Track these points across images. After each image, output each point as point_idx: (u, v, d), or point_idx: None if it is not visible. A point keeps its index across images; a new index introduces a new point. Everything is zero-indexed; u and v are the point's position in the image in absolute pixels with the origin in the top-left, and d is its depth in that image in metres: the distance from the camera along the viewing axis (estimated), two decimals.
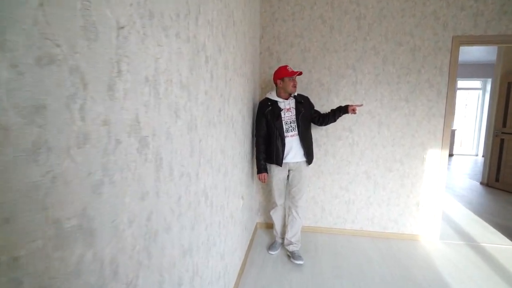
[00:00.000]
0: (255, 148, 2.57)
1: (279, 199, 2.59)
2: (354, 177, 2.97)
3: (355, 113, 2.42)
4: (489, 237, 3.07)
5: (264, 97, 2.52)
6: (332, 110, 2.52)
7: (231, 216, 1.96)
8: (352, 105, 2.41)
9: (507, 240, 3.00)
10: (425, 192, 2.90)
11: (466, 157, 8.24)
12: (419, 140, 2.84)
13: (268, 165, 2.52)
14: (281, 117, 2.38)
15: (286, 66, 2.38)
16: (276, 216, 2.68)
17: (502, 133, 4.96)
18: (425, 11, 2.69)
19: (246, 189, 2.51)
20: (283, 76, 2.35)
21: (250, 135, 2.60)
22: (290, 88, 2.36)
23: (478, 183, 5.41)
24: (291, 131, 2.40)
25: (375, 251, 2.73)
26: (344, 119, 2.91)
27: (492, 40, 2.64)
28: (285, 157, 2.42)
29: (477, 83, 8.18)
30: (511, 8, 2.59)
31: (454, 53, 2.70)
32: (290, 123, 2.40)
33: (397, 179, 2.92)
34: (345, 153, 2.96)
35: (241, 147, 2.22)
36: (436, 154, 2.84)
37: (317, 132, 2.97)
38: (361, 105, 2.45)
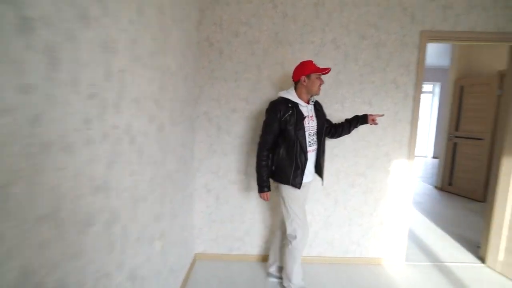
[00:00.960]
0: (257, 160, 1.95)
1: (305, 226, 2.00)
2: (311, 195, 2.50)
3: (376, 123, 2.10)
4: (453, 253, 2.81)
5: (278, 97, 1.95)
6: (347, 121, 2.16)
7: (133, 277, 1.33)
8: (372, 115, 2.08)
9: (469, 255, 2.76)
10: (390, 209, 2.53)
11: (417, 159, 8.44)
12: (384, 149, 2.46)
13: (279, 186, 1.99)
14: (304, 126, 1.86)
15: (311, 60, 1.92)
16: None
17: (455, 137, 4.93)
18: None
19: (172, 221, 1.89)
20: (310, 71, 1.85)
21: (181, 148, 1.99)
22: (316, 88, 1.89)
23: (432, 187, 5.37)
24: (312, 145, 1.94)
25: (335, 281, 2.28)
26: None
27: (460, 37, 2.33)
28: (305, 178, 1.94)
29: (429, 87, 8.40)
30: (480, 1, 2.30)
31: (422, 50, 2.34)
32: (312, 135, 1.94)
33: (360, 195, 2.50)
34: None
35: (157, 168, 1.60)
36: (402, 165, 2.47)
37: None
38: (383, 115, 2.11)
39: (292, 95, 1.88)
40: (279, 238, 2.21)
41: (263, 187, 1.94)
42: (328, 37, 2.35)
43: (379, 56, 2.35)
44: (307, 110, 1.91)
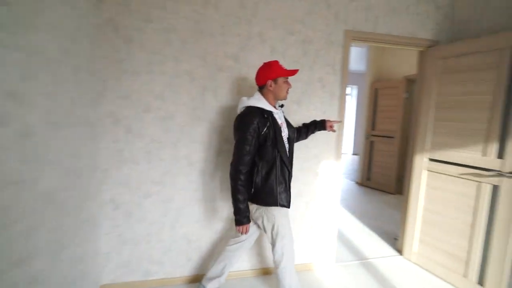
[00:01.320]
0: (233, 188, 1.60)
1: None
2: None
3: (334, 130, 2.01)
4: (376, 248, 2.94)
5: (247, 107, 1.66)
6: (305, 125, 2.03)
7: None
8: (330, 121, 2.00)
9: (389, 248, 2.92)
10: (320, 211, 2.47)
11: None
12: (314, 151, 2.38)
13: (260, 210, 1.69)
14: (282, 138, 1.66)
15: (277, 61, 1.69)
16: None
17: (372, 135, 5.35)
18: None
19: (54, 257, 1.42)
20: (277, 75, 1.65)
21: (71, 159, 1.52)
22: (284, 94, 1.70)
23: (354, 183, 5.75)
24: (290, 156, 1.75)
25: None
26: (222, 127, 2.17)
27: (380, 39, 2.40)
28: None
29: (348, 89, 9.11)
30: (399, 4, 2.40)
31: (346, 49, 2.33)
32: (287, 144, 1.73)
33: (292, 200, 2.37)
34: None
35: (19, 190, 1.14)
36: (330, 166, 2.44)
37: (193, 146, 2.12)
38: (340, 121, 2.07)
39: (263, 103, 1.64)
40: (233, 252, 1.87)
41: (243, 218, 1.62)
42: (254, 30, 2.15)
43: (306, 53, 2.25)
44: (279, 117, 1.71)
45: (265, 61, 1.73)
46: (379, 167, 5.23)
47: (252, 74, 2.14)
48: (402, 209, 2.83)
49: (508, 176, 1.94)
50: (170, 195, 2.13)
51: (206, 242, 2.24)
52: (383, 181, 5.13)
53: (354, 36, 2.32)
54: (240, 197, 1.58)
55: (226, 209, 2.25)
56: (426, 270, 2.51)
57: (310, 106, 2.32)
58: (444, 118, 2.39)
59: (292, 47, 2.22)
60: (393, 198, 4.72)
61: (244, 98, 1.69)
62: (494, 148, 2.04)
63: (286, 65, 2.21)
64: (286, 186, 1.66)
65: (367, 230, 3.42)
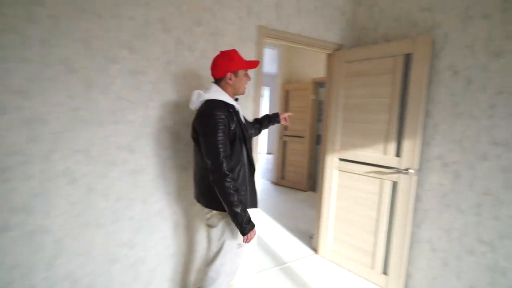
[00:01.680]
0: (226, 193, 1.34)
1: None
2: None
3: (287, 124, 1.95)
4: (293, 250, 2.93)
5: (208, 100, 1.46)
6: (258, 120, 1.91)
7: None
8: (283, 114, 1.94)
9: (305, 248, 2.96)
10: None
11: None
12: None
13: (218, 215, 1.51)
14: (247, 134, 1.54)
15: (236, 50, 1.53)
16: None
17: (285, 135, 5.52)
18: None
19: None
20: (238, 67, 1.49)
21: None
22: (244, 88, 1.57)
23: (270, 182, 5.85)
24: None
25: None
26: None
27: (292, 38, 2.35)
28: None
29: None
30: (308, 4, 2.39)
31: (260, 47, 2.20)
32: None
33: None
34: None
35: None
36: None
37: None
38: (292, 114, 2.06)
39: (225, 96, 1.46)
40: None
41: (248, 223, 1.38)
42: (155, 14, 1.79)
43: (217, 48, 2.01)
44: (241, 112, 1.56)
45: (222, 50, 1.55)
46: (292, 166, 5.43)
47: (152, 71, 1.78)
48: (316, 208, 2.89)
49: (404, 173, 2.12)
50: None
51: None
52: (296, 179, 5.34)
53: (268, 33, 2.21)
54: (238, 203, 1.35)
55: None
56: (340, 266, 2.60)
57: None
58: (351, 119, 2.51)
59: (202, 40, 1.95)
60: (306, 195, 4.95)
61: (200, 92, 1.49)
62: (392, 147, 2.21)
63: (195, 60, 1.93)
64: (253, 185, 1.55)
65: (284, 231, 3.42)
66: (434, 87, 2.06)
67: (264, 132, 9.70)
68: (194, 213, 2.04)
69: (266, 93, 9.52)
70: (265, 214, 3.97)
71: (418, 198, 2.15)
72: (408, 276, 2.21)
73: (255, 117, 2.00)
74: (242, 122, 1.50)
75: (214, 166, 1.33)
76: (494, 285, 1.77)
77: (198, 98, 1.48)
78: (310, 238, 3.15)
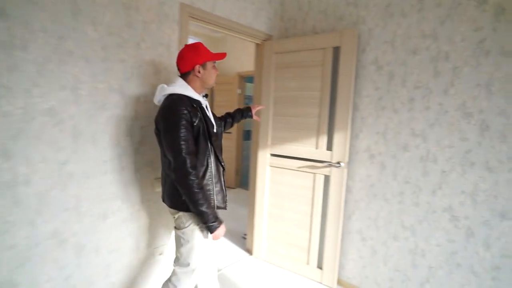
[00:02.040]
0: (189, 191, 1.27)
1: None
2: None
3: (259, 119, 2.10)
4: (227, 254, 2.73)
5: (170, 94, 1.36)
6: (229, 115, 1.88)
7: None
8: (255, 107, 1.96)
9: (239, 250, 2.79)
10: (158, 233, 1.95)
11: None
12: (147, 158, 1.81)
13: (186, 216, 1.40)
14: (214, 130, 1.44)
15: (201, 43, 1.44)
16: None
17: None
18: None
19: None
20: (205, 59, 1.41)
21: None
22: (213, 80, 1.48)
23: None
24: None
25: None
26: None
27: (218, 22, 2.10)
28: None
29: None
30: None
31: (185, 28, 1.89)
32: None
33: (118, 224, 1.71)
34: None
35: None
36: None
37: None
38: (263, 106, 2.10)
39: (190, 91, 1.39)
40: None
41: (216, 221, 1.34)
42: None
43: (131, 24, 1.63)
44: (207, 109, 1.47)
45: (187, 44, 1.52)
46: None
47: (38, 48, 1.30)
48: (249, 206, 2.74)
49: (335, 166, 2.13)
50: None
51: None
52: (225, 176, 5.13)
53: (192, 14, 1.91)
54: (203, 201, 1.29)
55: None
56: (277, 265, 2.51)
57: (141, 98, 1.72)
58: (282, 113, 2.42)
59: (109, 12, 1.54)
60: (235, 193, 4.79)
61: (164, 86, 1.42)
62: (324, 141, 2.20)
63: (99, 36, 1.51)
64: (221, 185, 1.48)
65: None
66: (361, 81, 2.11)
67: None
68: None
69: None
70: None
71: (348, 190, 2.20)
72: (341, 267, 2.25)
73: (227, 112, 1.90)
74: (208, 118, 1.42)
75: (176, 164, 1.27)
76: (415, 266, 1.91)
77: (161, 92, 1.40)
78: (243, 239, 3.00)
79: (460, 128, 1.71)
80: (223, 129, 1.68)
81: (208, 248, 1.45)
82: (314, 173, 2.27)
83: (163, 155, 1.39)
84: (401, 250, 1.96)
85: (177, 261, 1.46)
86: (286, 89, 2.38)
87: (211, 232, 1.35)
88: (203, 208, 1.29)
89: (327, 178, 2.21)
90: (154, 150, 1.81)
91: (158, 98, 1.43)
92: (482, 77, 1.64)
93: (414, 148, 1.89)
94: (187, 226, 1.39)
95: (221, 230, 1.37)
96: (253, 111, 1.94)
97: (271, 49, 2.43)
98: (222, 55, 1.48)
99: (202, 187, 1.30)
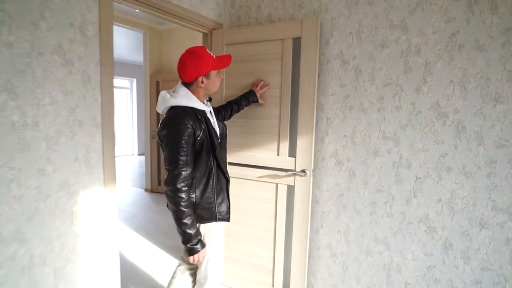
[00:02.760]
0: (176, 208, 1.27)
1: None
2: None
3: (265, 103, 1.90)
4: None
5: (175, 106, 1.32)
6: (234, 102, 1.83)
7: None
8: (259, 89, 1.87)
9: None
10: (87, 273, 1.48)
11: (124, 158, 7.87)
12: (59, 177, 1.33)
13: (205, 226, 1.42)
14: (218, 139, 1.42)
15: (204, 48, 1.36)
16: None
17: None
18: None
19: None
20: (209, 69, 1.34)
21: None
22: (217, 86, 1.43)
23: (143, 190, 4.92)
24: None
25: None
26: None
27: (155, 3, 1.69)
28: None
29: (125, 82, 7.92)
30: None
31: (107, 10, 1.44)
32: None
33: (14, 270, 1.22)
34: None
35: None
36: (95, 197, 1.49)
37: None
38: (268, 87, 1.88)
39: (194, 101, 1.32)
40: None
41: (197, 244, 1.31)
42: None
43: None
44: (211, 115, 1.44)
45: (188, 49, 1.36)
46: None
47: None
48: None
49: (300, 175, 1.86)
50: None
51: None
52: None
53: None
54: (187, 221, 1.27)
55: None
56: None
57: (40, 99, 1.24)
58: (239, 114, 2.08)
59: None
60: None
61: (167, 96, 1.34)
62: (286, 146, 1.92)
63: None
64: (224, 196, 1.47)
65: (161, 252, 2.74)
66: (325, 77, 1.86)
67: (133, 130, 8.39)
68: None
69: (133, 85, 8.21)
70: (137, 233, 3.14)
71: (315, 201, 1.95)
72: None
73: (228, 101, 1.85)
74: (213, 128, 1.39)
75: (170, 177, 1.26)
76: (391, 283, 1.72)
77: (163, 103, 1.35)
78: None
79: (434, 130, 1.55)
80: (226, 131, 1.59)
81: (217, 254, 1.47)
82: (277, 183, 1.97)
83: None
84: (375, 266, 1.77)
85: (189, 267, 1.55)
86: (240, 87, 2.05)
87: (190, 255, 1.32)
88: (187, 229, 1.27)
89: (291, 189, 1.94)
90: None
91: (161, 109, 1.37)
92: (456, 73, 1.48)
93: (386, 152, 1.69)
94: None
95: (201, 254, 1.33)
96: (258, 95, 1.85)
97: (221, 40, 2.07)
98: (227, 62, 1.39)
99: (189, 206, 1.28)
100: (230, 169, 2.09)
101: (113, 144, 1.56)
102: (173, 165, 1.25)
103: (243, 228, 2.12)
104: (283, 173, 1.92)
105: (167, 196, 1.29)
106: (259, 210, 2.05)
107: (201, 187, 1.36)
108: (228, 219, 1.47)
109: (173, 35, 4.56)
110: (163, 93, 1.37)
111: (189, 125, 1.25)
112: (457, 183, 1.50)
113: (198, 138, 1.29)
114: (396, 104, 1.64)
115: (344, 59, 1.79)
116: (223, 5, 2.19)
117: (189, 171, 1.27)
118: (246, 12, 2.16)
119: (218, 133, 1.44)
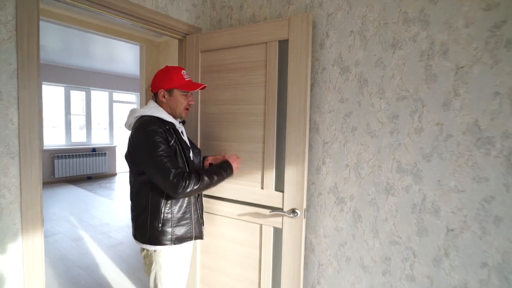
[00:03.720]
0: (204, 184, 1.23)
1: None
2: None
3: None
4: None
5: (142, 116, 1.26)
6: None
7: None
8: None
9: None
10: None
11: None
12: None
13: (173, 248, 1.26)
14: (190, 154, 1.34)
15: (180, 68, 1.33)
16: None
17: None
18: None
19: None
20: (172, 86, 1.29)
21: None
22: (181, 110, 1.33)
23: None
24: None
25: None
26: None
27: (105, 2, 1.36)
28: None
29: (132, 97, 7.80)
30: None
31: (28, 5, 1.11)
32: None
33: None
34: None
35: None
36: (8, 257, 1.13)
37: None
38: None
39: (162, 113, 1.28)
40: None
41: (227, 167, 1.34)
42: None
43: None
44: (183, 133, 1.38)
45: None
46: None
47: None
48: None
49: (288, 216, 1.43)
50: None
51: None
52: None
53: None
54: (214, 179, 1.26)
55: None
56: None
57: None
58: (214, 136, 1.70)
59: None
60: None
61: (134, 108, 1.33)
62: (272, 177, 1.50)
63: None
64: (199, 214, 1.37)
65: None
66: (320, 89, 1.45)
67: None
68: None
69: (138, 99, 8.07)
70: (115, 264, 2.76)
71: (310, 248, 1.50)
72: None
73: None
74: (184, 142, 1.32)
75: (171, 184, 1.13)
76: None
77: (131, 115, 1.30)
78: None
79: (473, 162, 1.09)
80: (201, 160, 1.46)
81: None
82: (261, 224, 1.55)
83: (133, 180, 1.28)
84: None
85: None
86: (217, 102, 1.67)
87: (230, 174, 1.35)
88: (221, 179, 1.29)
89: (278, 232, 1.50)
90: None
91: (129, 122, 1.30)
92: (504, 81, 1.03)
93: (403, 191, 1.24)
94: (153, 267, 1.28)
95: (235, 164, 1.38)
96: (206, 163, 1.52)
97: (195, 46, 1.72)
98: (194, 86, 1.31)
99: (200, 173, 1.22)
100: (205, 203, 1.69)
101: (38, 177, 1.20)
102: (164, 171, 1.14)
103: (220, 275, 1.69)
104: (268, 212, 1.49)
105: (184, 195, 1.20)
106: (240, 256, 1.62)
107: (179, 202, 1.27)
108: (201, 237, 1.39)
109: (169, 47, 4.32)
110: (131, 109, 1.33)
111: (160, 129, 1.19)
112: (511, 241, 1.02)
113: (170, 144, 1.22)
114: (416, 125, 1.20)
115: (344, 66, 1.38)
116: (201, 6, 1.85)
117: (179, 167, 1.17)
118: (227, 14, 1.80)
119: (191, 151, 1.34)
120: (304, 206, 1.42)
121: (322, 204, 1.46)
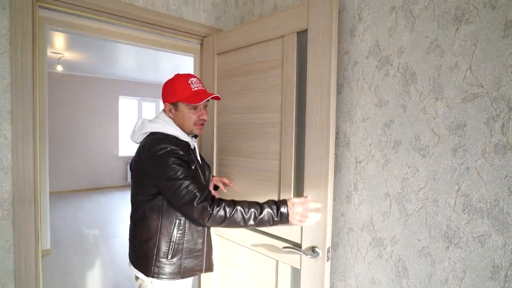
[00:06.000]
0: (229, 214, 1.00)
1: None
2: None
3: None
4: None
5: (153, 133, 1.11)
6: None
7: None
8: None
9: None
10: None
11: None
12: None
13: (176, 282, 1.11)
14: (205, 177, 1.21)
15: (188, 76, 1.14)
16: None
17: None
18: None
19: None
20: (176, 99, 1.11)
21: None
22: (190, 126, 1.14)
23: None
24: None
25: None
26: None
27: (82, 6, 1.28)
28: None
29: None
30: None
31: (23, 17, 1.09)
32: None
33: None
34: None
35: None
36: None
37: None
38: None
39: (175, 129, 1.12)
40: None
41: (278, 210, 1.02)
42: None
43: None
44: (195, 149, 1.22)
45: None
46: None
47: None
48: None
49: (307, 254, 1.09)
50: None
51: None
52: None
53: None
54: (253, 213, 1.01)
55: None
56: None
57: None
58: (229, 150, 1.47)
59: None
60: None
61: (145, 119, 1.17)
62: None
63: None
64: (210, 244, 1.22)
65: None
66: (351, 90, 1.10)
67: None
68: None
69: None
70: None
71: None
72: None
73: None
74: (200, 163, 1.19)
75: (197, 211, 0.99)
76: None
77: (140, 129, 1.14)
78: None
79: None
80: (211, 176, 1.30)
81: None
82: (277, 259, 1.25)
83: (135, 201, 1.15)
84: None
85: None
86: (231, 111, 1.45)
87: (289, 220, 1.03)
88: (258, 215, 1.01)
89: (296, 273, 1.18)
90: None
91: (137, 136, 1.15)
92: None
93: (474, 241, 0.80)
94: None
95: (297, 209, 1.03)
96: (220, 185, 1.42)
97: (212, 48, 1.54)
98: (200, 98, 1.09)
99: (234, 203, 1.02)
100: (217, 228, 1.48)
101: (32, 193, 1.16)
102: (189, 196, 0.99)
103: None
104: (283, 245, 1.19)
105: (213, 225, 1.04)
106: None
107: (192, 231, 1.13)
108: (211, 270, 1.23)
109: None
110: (141, 119, 1.17)
111: (176, 149, 1.04)
112: None
113: (192, 169, 1.09)
114: (496, 138, 0.76)
115: (382, 57, 1.00)
116: (223, 5, 1.66)
117: (203, 187, 1.02)
118: (250, 9, 1.58)
119: (206, 173, 1.21)
120: (328, 245, 1.07)
121: (354, 244, 1.09)
